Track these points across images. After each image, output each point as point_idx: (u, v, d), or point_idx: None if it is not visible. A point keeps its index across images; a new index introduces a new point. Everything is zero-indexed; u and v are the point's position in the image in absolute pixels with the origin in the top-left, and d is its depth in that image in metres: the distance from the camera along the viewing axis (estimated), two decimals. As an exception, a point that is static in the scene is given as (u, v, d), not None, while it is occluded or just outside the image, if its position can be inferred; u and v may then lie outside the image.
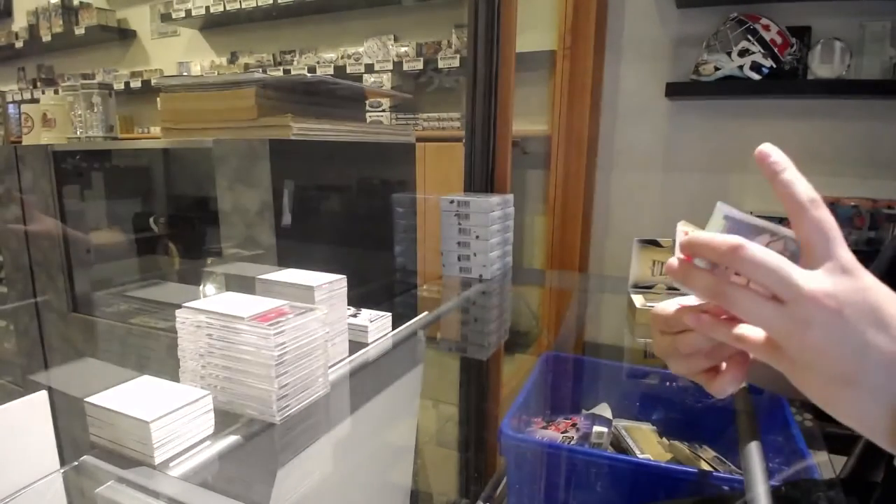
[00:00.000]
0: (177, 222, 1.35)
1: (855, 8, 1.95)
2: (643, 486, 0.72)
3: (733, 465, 0.84)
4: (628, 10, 2.31)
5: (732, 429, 0.66)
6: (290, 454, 0.57)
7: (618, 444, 0.92)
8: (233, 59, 3.50)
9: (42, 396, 0.49)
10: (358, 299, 0.81)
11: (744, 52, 1.95)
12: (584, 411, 1.00)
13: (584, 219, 2.32)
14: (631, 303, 1.12)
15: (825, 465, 0.58)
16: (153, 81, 2.51)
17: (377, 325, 0.81)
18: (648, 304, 1.08)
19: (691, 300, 0.44)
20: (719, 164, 2.25)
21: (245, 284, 0.76)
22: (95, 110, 1.37)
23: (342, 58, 3.03)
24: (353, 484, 0.70)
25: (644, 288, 1.21)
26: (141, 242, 1.37)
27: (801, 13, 2.01)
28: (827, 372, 0.35)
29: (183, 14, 3.34)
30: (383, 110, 2.83)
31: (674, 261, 0.41)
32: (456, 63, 2.66)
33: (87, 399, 0.51)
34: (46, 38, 3.97)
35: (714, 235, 0.38)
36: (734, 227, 0.43)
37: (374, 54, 2.94)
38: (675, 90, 2.14)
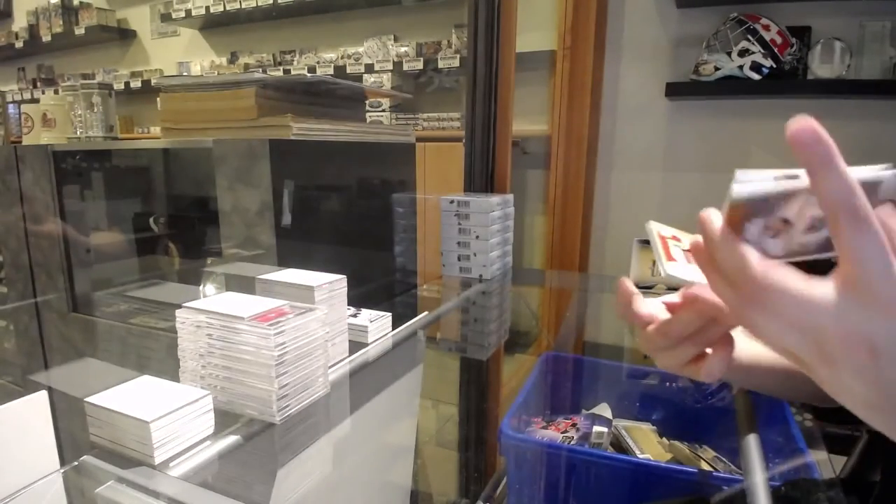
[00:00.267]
0: (177, 222, 1.35)
1: (855, 8, 1.95)
2: (643, 486, 0.72)
3: (733, 465, 0.84)
4: (628, 9, 2.31)
5: (732, 429, 0.66)
6: (290, 454, 0.57)
7: (618, 444, 0.92)
8: (233, 59, 3.50)
9: (42, 396, 0.49)
10: (358, 299, 0.81)
11: (744, 52, 1.95)
12: (584, 411, 1.00)
13: (584, 219, 2.32)
14: (631, 303, 1.11)
15: (825, 464, 0.58)
16: (153, 81, 2.51)
17: (377, 325, 0.81)
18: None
19: (673, 298, 0.44)
20: (719, 164, 2.25)
21: (245, 284, 0.76)
22: (95, 110, 1.37)
23: (342, 58, 3.03)
24: (353, 484, 0.70)
25: (644, 288, 1.21)
26: (141, 242, 1.37)
27: (801, 13, 2.01)
28: (850, 399, 0.33)
29: (183, 14, 3.34)
30: (383, 110, 2.83)
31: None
32: (456, 63, 2.66)
33: (87, 399, 0.51)
34: (46, 38, 3.97)
35: (744, 252, 0.33)
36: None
37: (374, 54, 2.94)
38: (675, 90, 2.14)
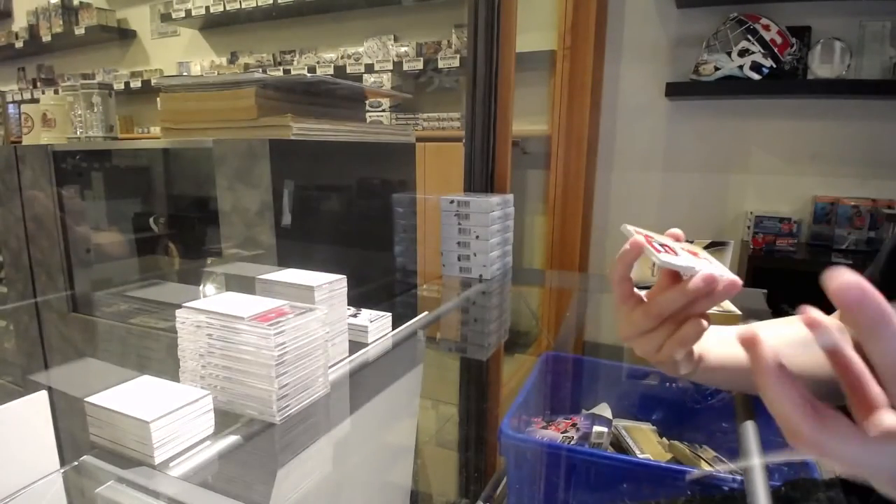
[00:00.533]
0: (177, 222, 1.35)
1: (855, 8, 1.95)
2: (643, 486, 0.72)
3: (733, 465, 0.84)
4: (628, 10, 2.32)
5: (732, 429, 0.66)
6: (290, 454, 0.57)
7: (618, 444, 0.92)
8: (233, 59, 3.50)
9: (42, 396, 0.49)
10: (358, 299, 0.81)
11: (744, 52, 1.95)
12: (584, 411, 1.00)
13: (584, 219, 2.32)
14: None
15: (825, 464, 0.58)
16: (153, 81, 2.51)
17: (377, 325, 0.81)
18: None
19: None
20: (719, 164, 2.26)
21: (245, 284, 0.76)
22: (95, 110, 1.37)
23: (342, 58, 3.03)
24: (353, 484, 0.70)
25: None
26: (141, 242, 1.37)
27: (801, 13, 2.01)
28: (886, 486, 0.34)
29: (183, 14, 3.34)
30: (383, 110, 2.83)
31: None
32: (456, 63, 2.66)
33: (87, 399, 0.51)
34: (46, 38, 3.97)
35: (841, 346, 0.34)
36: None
37: (374, 54, 2.94)
38: (675, 90, 2.15)
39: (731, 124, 2.21)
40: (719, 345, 0.58)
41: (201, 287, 1.17)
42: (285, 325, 0.56)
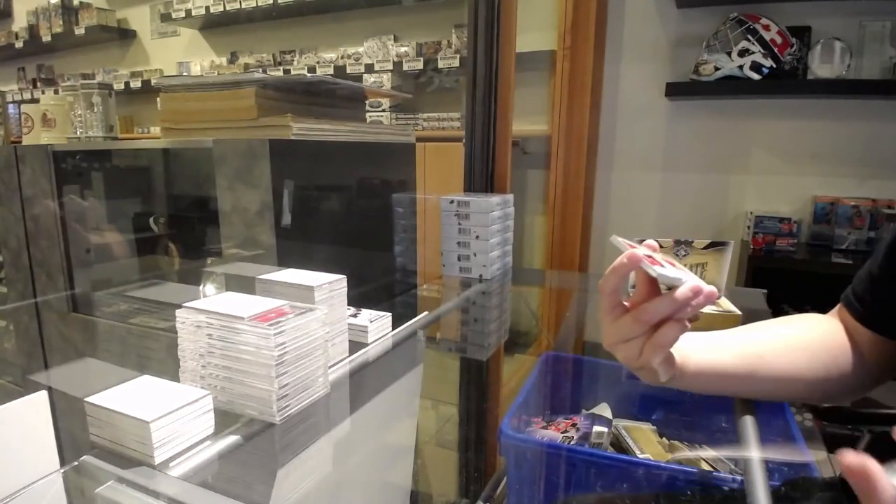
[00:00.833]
0: (177, 222, 1.35)
1: (855, 8, 1.95)
2: (643, 486, 0.72)
3: (733, 465, 0.84)
4: (628, 10, 2.32)
5: (732, 429, 0.66)
6: (290, 454, 0.57)
7: (618, 444, 0.92)
8: (233, 59, 3.50)
9: (42, 396, 0.49)
10: (358, 299, 0.81)
11: (744, 52, 1.95)
12: (584, 411, 1.00)
13: (584, 219, 2.32)
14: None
15: (825, 464, 0.58)
16: (153, 81, 2.51)
17: (377, 325, 0.81)
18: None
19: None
20: (719, 164, 2.26)
21: (245, 284, 0.76)
22: (95, 110, 1.37)
23: (342, 58, 3.03)
24: (353, 484, 0.70)
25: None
26: (141, 242, 1.37)
27: (801, 13, 2.01)
28: None
29: (183, 14, 3.34)
30: (383, 110, 2.83)
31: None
32: (456, 63, 2.66)
33: (87, 399, 0.51)
34: (46, 38, 3.97)
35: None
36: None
37: (374, 54, 2.94)
38: (674, 90, 2.15)
39: (731, 124, 2.21)
40: (699, 351, 0.59)
41: (201, 287, 1.17)
42: (285, 325, 0.56)
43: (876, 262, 0.61)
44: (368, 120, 2.69)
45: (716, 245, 0.97)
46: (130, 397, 0.52)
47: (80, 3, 3.81)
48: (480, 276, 1.28)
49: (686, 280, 0.48)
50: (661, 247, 1.18)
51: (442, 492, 1.02)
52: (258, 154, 0.91)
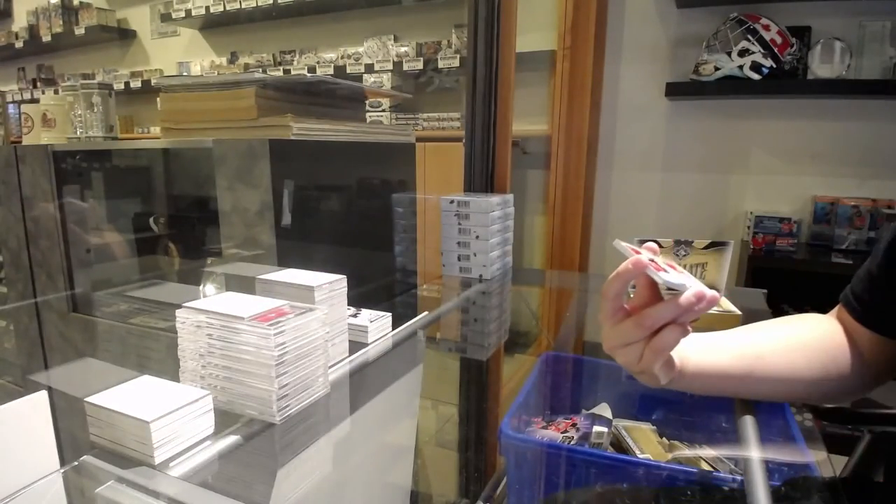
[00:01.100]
0: (177, 222, 1.35)
1: (855, 8, 1.95)
2: (643, 486, 0.71)
3: (733, 465, 0.84)
4: (628, 10, 2.32)
5: (732, 429, 0.66)
6: (290, 454, 0.57)
7: (618, 444, 0.92)
8: (233, 59, 3.50)
9: (42, 396, 0.49)
10: (358, 299, 0.81)
11: (744, 52, 1.95)
12: (584, 411, 1.00)
13: (584, 219, 2.32)
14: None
15: (825, 464, 0.58)
16: (153, 81, 2.51)
17: (377, 325, 0.81)
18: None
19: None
20: (719, 164, 2.26)
21: (245, 284, 0.76)
22: (95, 110, 1.37)
23: (342, 58, 3.03)
24: (353, 484, 0.70)
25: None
26: (141, 242, 1.37)
27: (801, 13, 2.01)
28: None
29: (183, 14, 3.34)
30: (383, 110, 2.83)
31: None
32: (456, 63, 2.66)
33: (87, 399, 0.51)
34: (46, 38, 3.97)
35: None
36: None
37: (374, 54, 2.94)
38: (674, 90, 2.15)
39: (731, 124, 2.21)
40: (697, 352, 0.59)
41: (201, 287, 1.17)
42: (285, 325, 0.56)
43: (875, 262, 0.61)
44: (368, 120, 2.69)
45: (716, 245, 0.97)
46: (130, 397, 0.52)
47: (80, 3, 3.81)
48: (480, 276, 1.28)
49: (689, 285, 0.48)
50: (661, 247, 1.19)
51: (442, 492, 1.02)
52: (258, 154, 0.91)
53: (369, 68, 2.90)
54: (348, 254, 1.12)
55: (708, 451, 0.88)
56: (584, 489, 0.73)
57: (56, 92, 3.84)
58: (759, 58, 1.94)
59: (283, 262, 0.93)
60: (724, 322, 0.85)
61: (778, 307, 1.16)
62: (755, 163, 2.20)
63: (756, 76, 1.96)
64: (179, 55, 3.75)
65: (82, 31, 3.78)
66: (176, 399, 0.52)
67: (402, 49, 2.86)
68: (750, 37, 1.95)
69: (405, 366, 0.84)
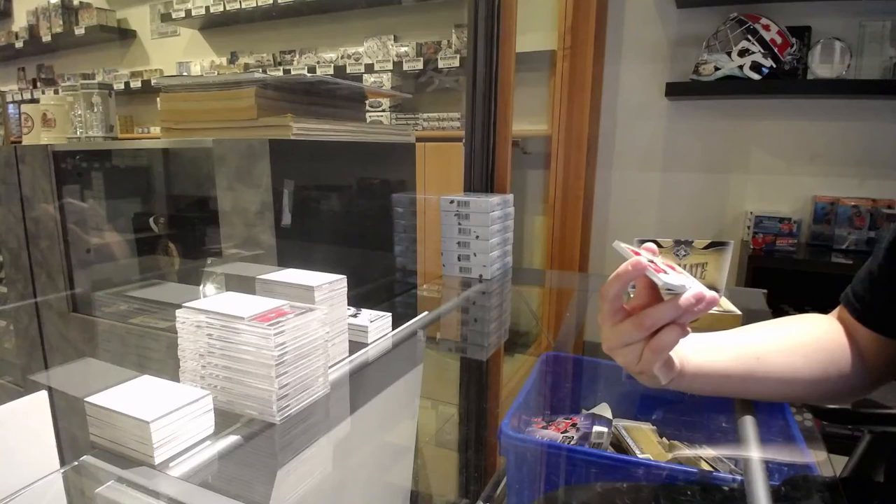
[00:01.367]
0: (177, 222, 1.35)
1: (855, 8, 1.95)
2: (643, 486, 0.71)
3: (733, 465, 0.84)
4: (628, 9, 2.32)
5: (732, 429, 0.66)
6: (290, 454, 0.57)
7: (618, 444, 0.92)
8: (233, 59, 3.50)
9: (42, 396, 0.49)
10: (358, 299, 0.81)
11: (744, 52, 1.95)
12: (584, 411, 1.00)
13: (584, 219, 2.32)
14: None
15: (825, 465, 0.58)
16: (153, 81, 2.51)
17: (377, 325, 0.81)
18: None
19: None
20: (719, 164, 2.26)
21: (245, 284, 0.76)
22: (95, 110, 1.37)
23: (342, 58, 3.03)
24: (353, 484, 0.70)
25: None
26: (141, 242, 1.37)
27: (801, 13, 2.01)
28: None
29: (183, 14, 3.34)
30: (383, 110, 2.83)
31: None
32: (456, 63, 2.66)
33: (87, 399, 0.51)
34: (46, 38, 3.96)
35: None
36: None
37: (374, 54, 2.94)
38: (674, 90, 2.15)
39: (731, 124, 2.21)
40: (697, 352, 0.59)
41: (201, 287, 1.17)
42: (285, 325, 0.56)
43: (876, 262, 0.61)
44: (368, 120, 2.69)
45: (716, 245, 0.97)
46: (130, 397, 0.52)
47: (80, 3, 3.81)
48: (480, 276, 1.28)
49: (689, 286, 0.48)
50: (660, 247, 1.19)
51: (442, 492, 1.02)
52: (258, 154, 0.91)
53: (369, 68, 2.90)
54: (348, 254, 1.12)
55: (708, 451, 0.88)
56: (584, 489, 0.73)
57: (56, 92, 3.84)
58: (759, 58, 1.94)
59: (283, 262, 0.93)
60: (724, 322, 0.85)
61: (778, 307, 1.16)
62: (755, 163, 2.20)
63: (756, 76, 1.96)
64: (179, 55, 3.75)
65: (82, 31, 3.78)
66: (176, 399, 0.52)
67: (402, 49, 2.86)
68: (750, 37, 1.95)
69: (405, 366, 0.84)
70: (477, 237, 1.27)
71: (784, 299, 1.87)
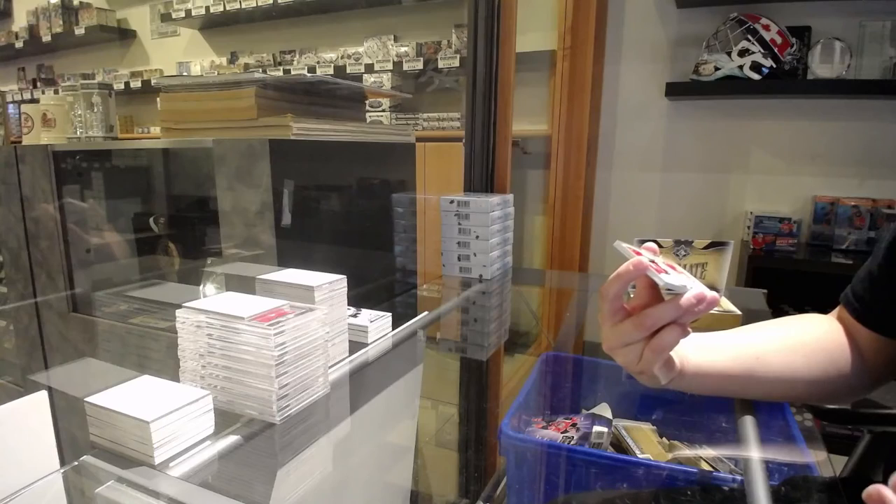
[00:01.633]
0: (177, 222, 1.35)
1: (855, 8, 1.95)
2: (643, 486, 0.71)
3: (733, 465, 0.84)
4: (628, 9, 2.32)
5: (732, 429, 0.66)
6: (290, 454, 0.57)
7: (618, 444, 0.92)
8: (233, 59, 3.50)
9: (42, 396, 0.49)
10: (358, 299, 0.81)
11: (744, 52, 1.95)
12: (584, 411, 1.00)
13: (584, 219, 2.32)
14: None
15: (825, 465, 0.58)
16: (153, 81, 2.51)
17: (377, 325, 0.81)
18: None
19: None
20: (719, 164, 2.26)
21: (245, 284, 0.76)
22: (95, 110, 1.37)
23: (342, 58, 3.03)
24: (353, 484, 0.70)
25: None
26: (141, 242, 1.37)
27: (801, 13, 2.01)
28: None
29: (183, 14, 3.34)
30: (383, 110, 2.83)
31: None
32: (456, 63, 2.66)
33: (87, 399, 0.51)
34: (46, 38, 3.96)
35: None
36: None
37: (374, 54, 2.94)
38: (674, 90, 2.15)
39: (731, 124, 2.21)
40: (696, 352, 0.59)
41: (201, 287, 1.17)
42: (285, 325, 0.56)
43: (876, 262, 0.61)
44: (368, 120, 2.69)
45: (716, 245, 0.97)
46: (130, 397, 0.52)
47: (80, 3, 3.81)
48: (480, 276, 1.28)
49: (690, 287, 0.48)
50: (660, 247, 1.19)
51: (442, 492, 1.02)
52: (258, 154, 0.91)
53: (369, 68, 2.90)
54: (348, 254, 1.12)
55: (708, 451, 0.88)
56: (584, 489, 0.73)
57: (56, 92, 3.84)
58: (759, 58, 1.94)
59: (283, 262, 0.93)
60: (724, 322, 0.85)
61: (778, 307, 1.16)
62: (755, 163, 2.20)
63: (756, 76, 1.96)
64: (179, 55, 3.75)
65: (82, 31, 3.78)
66: (176, 399, 0.52)
67: (402, 49, 2.86)
68: (750, 37, 1.95)
69: (405, 366, 0.84)
70: (477, 237, 1.27)
71: (784, 299, 1.87)
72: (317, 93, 1.09)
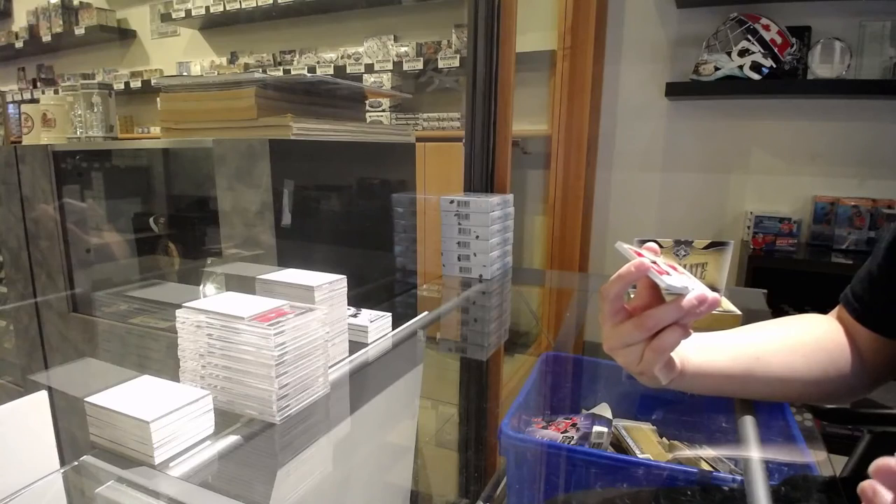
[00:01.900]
0: (177, 222, 1.35)
1: (855, 8, 1.95)
2: (643, 486, 0.71)
3: (733, 465, 0.84)
4: (628, 9, 2.32)
5: (732, 429, 0.66)
6: (290, 454, 0.57)
7: (618, 444, 0.92)
8: (233, 59, 3.50)
9: (42, 396, 0.49)
10: (358, 299, 0.81)
11: (744, 52, 1.95)
12: (584, 411, 1.00)
13: (584, 219, 2.32)
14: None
15: (825, 465, 0.58)
16: (153, 81, 2.51)
17: (377, 325, 0.81)
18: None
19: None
20: (719, 164, 2.26)
21: (245, 284, 0.76)
22: (95, 110, 1.37)
23: (342, 58, 3.03)
24: (353, 484, 0.70)
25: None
26: (141, 242, 1.37)
27: (801, 13, 2.01)
28: None
29: (183, 14, 3.34)
30: (383, 110, 2.83)
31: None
32: (456, 63, 2.66)
33: (87, 399, 0.51)
34: (46, 38, 3.97)
35: None
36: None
37: (374, 54, 2.94)
38: (674, 90, 2.15)
39: (731, 124, 2.21)
40: (697, 353, 0.59)
41: (201, 287, 1.17)
42: (285, 325, 0.56)
43: (875, 262, 0.61)
44: (368, 120, 2.69)
45: (716, 245, 0.97)
46: (130, 397, 0.52)
47: (80, 3, 3.81)
48: (480, 276, 1.28)
49: (692, 288, 0.49)
50: (661, 247, 1.18)
51: (442, 492, 1.02)
52: (258, 154, 0.91)
53: (369, 68, 2.90)
54: (348, 254, 1.12)
55: (708, 451, 0.88)
56: (584, 489, 0.73)
57: (56, 92, 3.84)
58: (759, 58, 1.94)
59: (283, 262, 0.93)
60: (724, 322, 0.85)
61: (778, 307, 1.16)
62: (755, 163, 2.20)
63: (756, 76, 1.96)
64: (179, 55, 3.75)
65: (82, 31, 3.78)
66: (176, 399, 0.52)
67: (402, 49, 2.86)
68: (750, 37, 1.95)
69: (405, 366, 0.84)
70: (477, 237, 1.27)
71: (784, 299, 1.87)
72: (317, 93, 1.09)
